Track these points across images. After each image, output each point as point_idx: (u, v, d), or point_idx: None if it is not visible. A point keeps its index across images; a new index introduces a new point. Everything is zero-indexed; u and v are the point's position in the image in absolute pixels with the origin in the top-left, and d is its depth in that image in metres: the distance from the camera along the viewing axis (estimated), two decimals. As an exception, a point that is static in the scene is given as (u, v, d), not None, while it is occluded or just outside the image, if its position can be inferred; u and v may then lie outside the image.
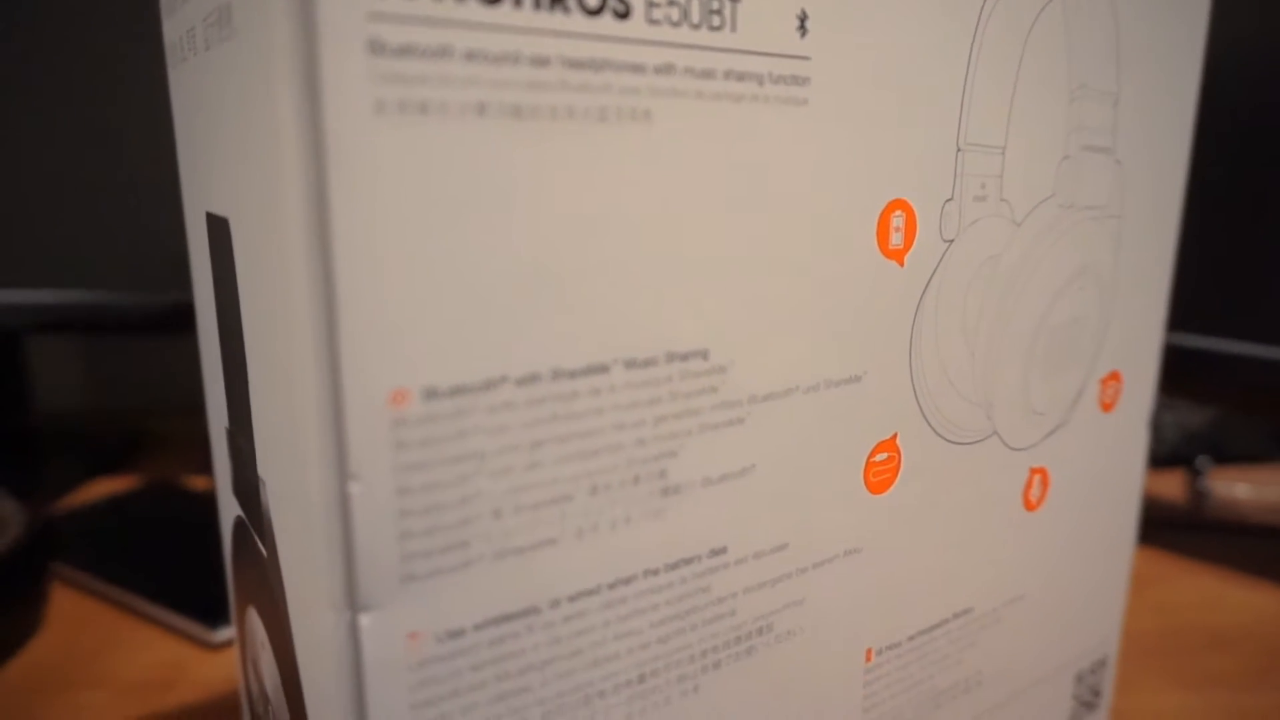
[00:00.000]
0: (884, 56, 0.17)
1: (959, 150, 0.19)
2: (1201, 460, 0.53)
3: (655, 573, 0.16)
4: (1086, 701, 0.28)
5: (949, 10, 0.18)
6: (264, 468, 0.16)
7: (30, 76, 0.46)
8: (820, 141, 0.16)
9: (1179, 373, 0.45)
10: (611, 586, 0.15)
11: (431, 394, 0.13)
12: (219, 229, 0.16)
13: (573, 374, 0.14)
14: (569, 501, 0.14)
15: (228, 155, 0.15)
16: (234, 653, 0.35)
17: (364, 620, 0.13)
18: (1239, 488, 0.53)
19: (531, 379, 0.14)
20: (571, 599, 0.15)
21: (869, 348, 0.18)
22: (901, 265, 0.18)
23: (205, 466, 0.57)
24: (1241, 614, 0.40)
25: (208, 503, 0.48)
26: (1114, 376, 0.25)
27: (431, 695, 0.14)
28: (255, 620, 0.18)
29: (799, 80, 0.16)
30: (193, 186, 0.18)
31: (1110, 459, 0.26)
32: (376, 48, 0.11)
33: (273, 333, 0.13)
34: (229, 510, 0.20)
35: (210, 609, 0.37)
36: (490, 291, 0.13)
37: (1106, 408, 0.25)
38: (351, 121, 0.11)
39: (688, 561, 0.16)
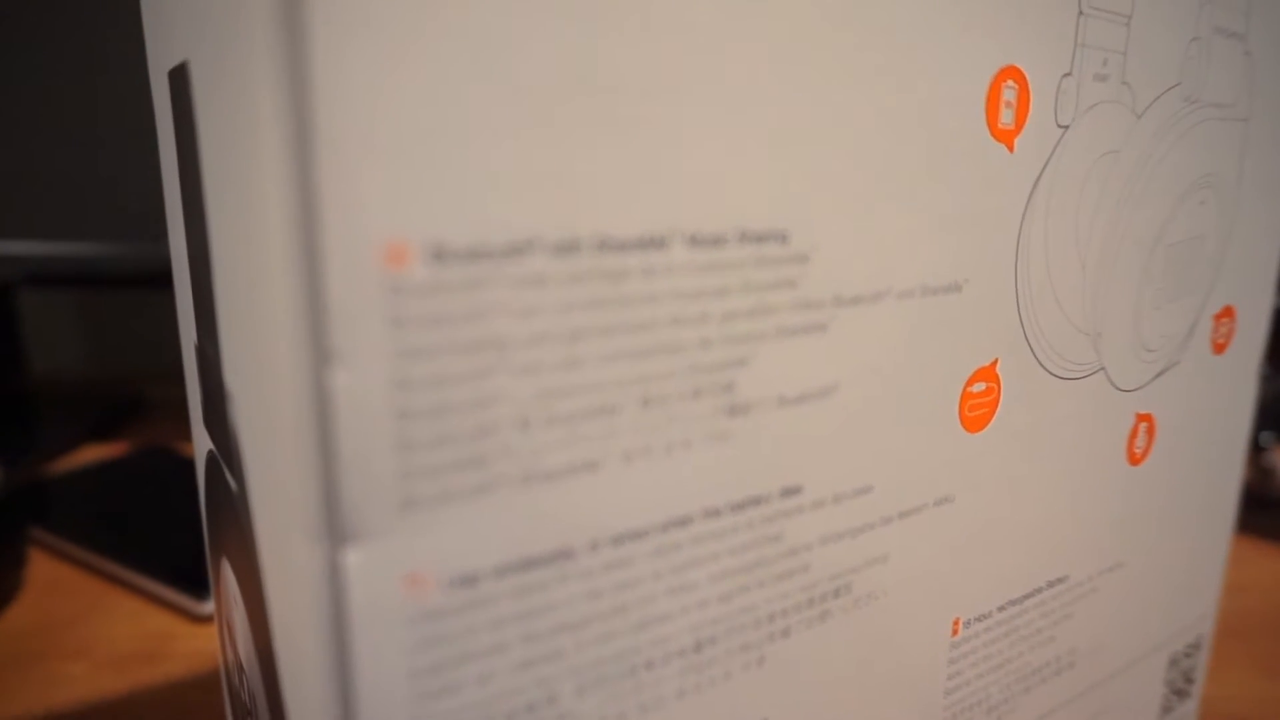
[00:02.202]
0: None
1: (1081, 13, 0.15)
2: (1265, 436, 0.49)
3: (717, 513, 0.13)
4: (1179, 689, 0.25)
5: None
6: (231, 376, 0.12)
7: (26, 19, 0.43)
8: (928, -23, 0.13)
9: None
10: (664, 528, 0.12)
11: (440, 254, 0.10)
12: (179, 80, 0.13)
13: (623, 246, 0.11)
14: (615, 415, 0.11)
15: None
16: (226, 625, 0.32)
17: (350, 555, 0.10)
18: (1306, 465, 0.49)
19: (570, 247, 0.10)
20: (615, 542, 0.12)
21: (972, 250, 0.15)
22: (1011, 150, 0.15)
23: (204, 434, 0.54)
24: (1325, 597, 0.37)
25: (204, 469, 0.45)
26: (1227, 312, 0.21)
27: (436, 659, 0.11)
28: (228, 573, 0.15)
29: (906, -107, 0.12)
30: (156, 51, 0.15)
31: (1219, 410, 0.22)
32: None
33: (235, 180, 0.10)
34: (203, 449, 0.17)
35: (198, 579, 0.34)
36: (518, 122, 0.10)
37: (1219, 349, 0.21)
38: None
39: (756, 501, 0.13)
